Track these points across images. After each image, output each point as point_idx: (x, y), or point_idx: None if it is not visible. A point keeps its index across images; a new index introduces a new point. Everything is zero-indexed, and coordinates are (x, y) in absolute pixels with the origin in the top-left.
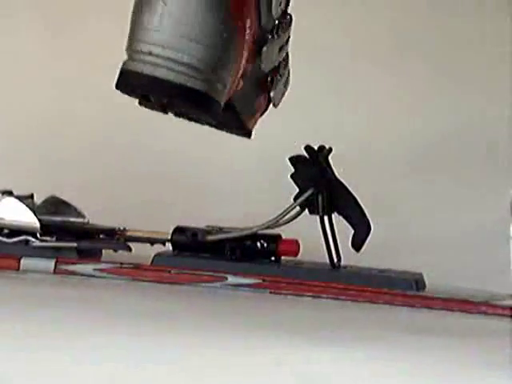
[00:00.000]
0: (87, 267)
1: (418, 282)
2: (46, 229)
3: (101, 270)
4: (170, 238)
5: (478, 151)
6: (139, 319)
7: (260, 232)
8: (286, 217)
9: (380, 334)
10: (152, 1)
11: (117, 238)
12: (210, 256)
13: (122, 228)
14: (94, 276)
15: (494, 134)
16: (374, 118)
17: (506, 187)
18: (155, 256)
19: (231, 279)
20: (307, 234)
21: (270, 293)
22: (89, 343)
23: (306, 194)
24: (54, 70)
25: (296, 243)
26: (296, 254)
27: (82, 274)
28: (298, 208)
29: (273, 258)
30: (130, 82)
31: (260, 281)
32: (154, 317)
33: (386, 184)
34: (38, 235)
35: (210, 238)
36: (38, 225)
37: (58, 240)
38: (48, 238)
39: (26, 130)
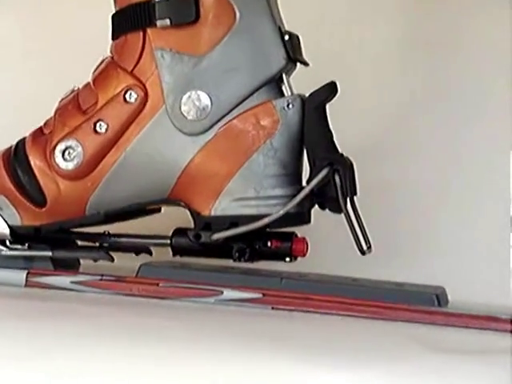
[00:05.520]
0: (63, 280)
1: (439, 297)
2: (17, 235)
3: (79, 283)
4: (169, 241)
5: (476, 156)
6: (123, 337)
7: (271, 230)
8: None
9: (397, 353)
10: None
11: (98, 244)
12: (204, 267)
13: (106, 232)
14: (71, 289)
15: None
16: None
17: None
18: (141, 266)
19: (227, 293)
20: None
21: (273, 309)
22: (65, 361)
23: (321, 175)
24: (56, 69)
25: (306, 241)
26: (305, 254)
27: (58, 288)
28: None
29: (288, 259)
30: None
31: (260, 295)
32: (139, 335)
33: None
34: (8, 243)
35: (216, 236)
36: (7, 231)
37: (30, 248)
38: (19, 246)
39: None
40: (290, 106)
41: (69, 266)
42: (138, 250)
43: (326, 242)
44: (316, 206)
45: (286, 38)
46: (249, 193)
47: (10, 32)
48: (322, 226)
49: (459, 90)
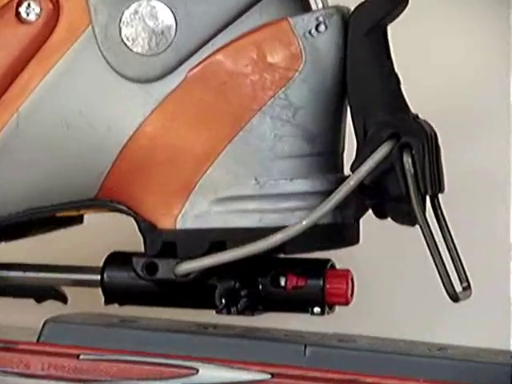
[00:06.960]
0: None
1: None
2: None
3: None
4: (98, 278)
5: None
6: None
7: (287, 256)
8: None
9: None
10: None
11: None
12: (164, 326)
13: None
14: None
15: None
16: None
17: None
18: (47, 323)
19: (206, 373)
20: None
21: None
22: None
23: (378, 156)
24: None
25: (351, 278)
26: (348, 301)
27: None
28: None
29: (317, 310)
30: None
31: (267, 376)
32: None
33: None
34: None
35: (186, 266)
36: None
37: None
38: None
39: None
40: (322, 27)
41: None
42: (41, 293)
43: (384, 277)
44: (369, 211)
45: None
46: (245, 187)
47: None
48: (378, 248)
49: None
